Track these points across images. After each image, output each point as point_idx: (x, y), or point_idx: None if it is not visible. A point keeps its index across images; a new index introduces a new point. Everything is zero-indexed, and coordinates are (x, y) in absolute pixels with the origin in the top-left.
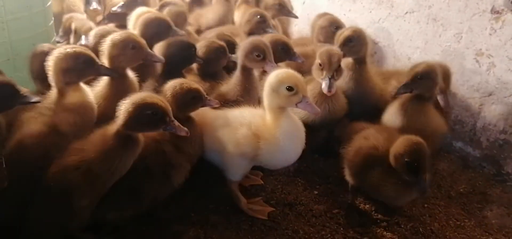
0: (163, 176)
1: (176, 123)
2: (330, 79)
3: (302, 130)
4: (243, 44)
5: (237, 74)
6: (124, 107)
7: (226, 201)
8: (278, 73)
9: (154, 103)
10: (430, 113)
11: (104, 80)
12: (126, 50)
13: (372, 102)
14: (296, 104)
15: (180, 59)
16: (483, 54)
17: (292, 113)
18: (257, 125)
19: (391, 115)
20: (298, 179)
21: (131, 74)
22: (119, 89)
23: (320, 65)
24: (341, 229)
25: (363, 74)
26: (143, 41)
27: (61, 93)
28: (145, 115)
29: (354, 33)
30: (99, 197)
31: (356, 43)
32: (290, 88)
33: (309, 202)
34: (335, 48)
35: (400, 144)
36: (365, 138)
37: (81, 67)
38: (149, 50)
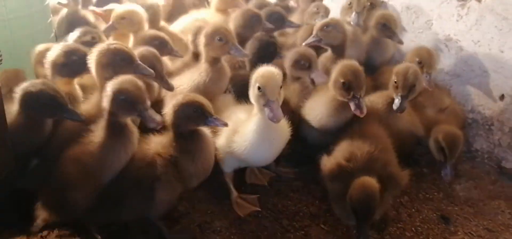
0: (148, 190)
1: (149, 112)
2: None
3: (280, 132)
4: (289, 53)
5: (292, 82)
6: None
7: (213, 178)
8: (258, 71)
9: (126, 89)
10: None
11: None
12: (213, 42)
13: None
14: (263, 105)
15: (263, 54)
16: (452, 39)
17: None
18: (240, 120)
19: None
20: (279, 159)
21: (224, 63)
22: (213, 77)
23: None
24: (317, 202)
25: None
26: (230, 35)
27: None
28: (120, 100)
29: (332, 20)
30: (94, 190)
31: (332, 29)
32: (259, 88)
33: (288, 179)
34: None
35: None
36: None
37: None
38: (236, 44)
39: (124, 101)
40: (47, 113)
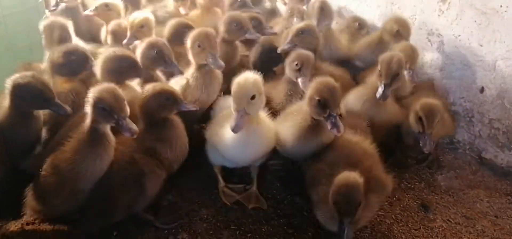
0: (136, 186)
1: (126, 121)
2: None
3: (260, 137)
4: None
5: (282, 82)
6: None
7: (201, 169)
8: (237, 77)
9: (104, 98)
10: (386, 103)
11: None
12: (194, 47)
13: None
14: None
15: (265, 59)
16: (434, 33)
17: (261, 119)
18: (228, 115)
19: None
20: None
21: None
22: (200, 82)
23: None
24: (301, 191)
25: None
26: (209, 42)
27: None
28: (99, 108)
29: (307, 26)
30: (73, 196)
31: (307, 35)
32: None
33: (275, 169)
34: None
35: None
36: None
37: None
38: (214, 53)
39: (103, 110)
40: (35, 105)
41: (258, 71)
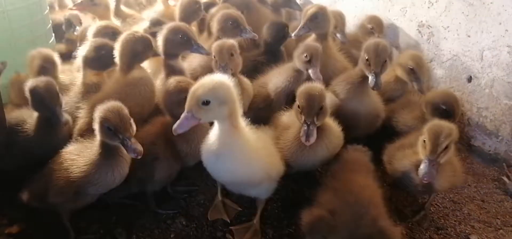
0: (148, 167)
1: (131, 141)
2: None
3: (234, 158)
4: (298, 46)
5: (286, 69)
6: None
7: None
8: (206, 77)
9: (109, 118)
10: (369, 94)
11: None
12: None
13: (335, 76)
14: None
15: (277, 38)
16: (424, 25)
17: (244, 137)
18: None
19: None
20: None
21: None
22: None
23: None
24: (292, 184)
25: (326, 50)
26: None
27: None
28: (104, 127)
29: (320, 10)
30: (78, 198)
31: (321, 20)
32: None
33: None
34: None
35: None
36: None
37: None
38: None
39: (108, 129)
40: (40, 110)
41: (269, 49)
